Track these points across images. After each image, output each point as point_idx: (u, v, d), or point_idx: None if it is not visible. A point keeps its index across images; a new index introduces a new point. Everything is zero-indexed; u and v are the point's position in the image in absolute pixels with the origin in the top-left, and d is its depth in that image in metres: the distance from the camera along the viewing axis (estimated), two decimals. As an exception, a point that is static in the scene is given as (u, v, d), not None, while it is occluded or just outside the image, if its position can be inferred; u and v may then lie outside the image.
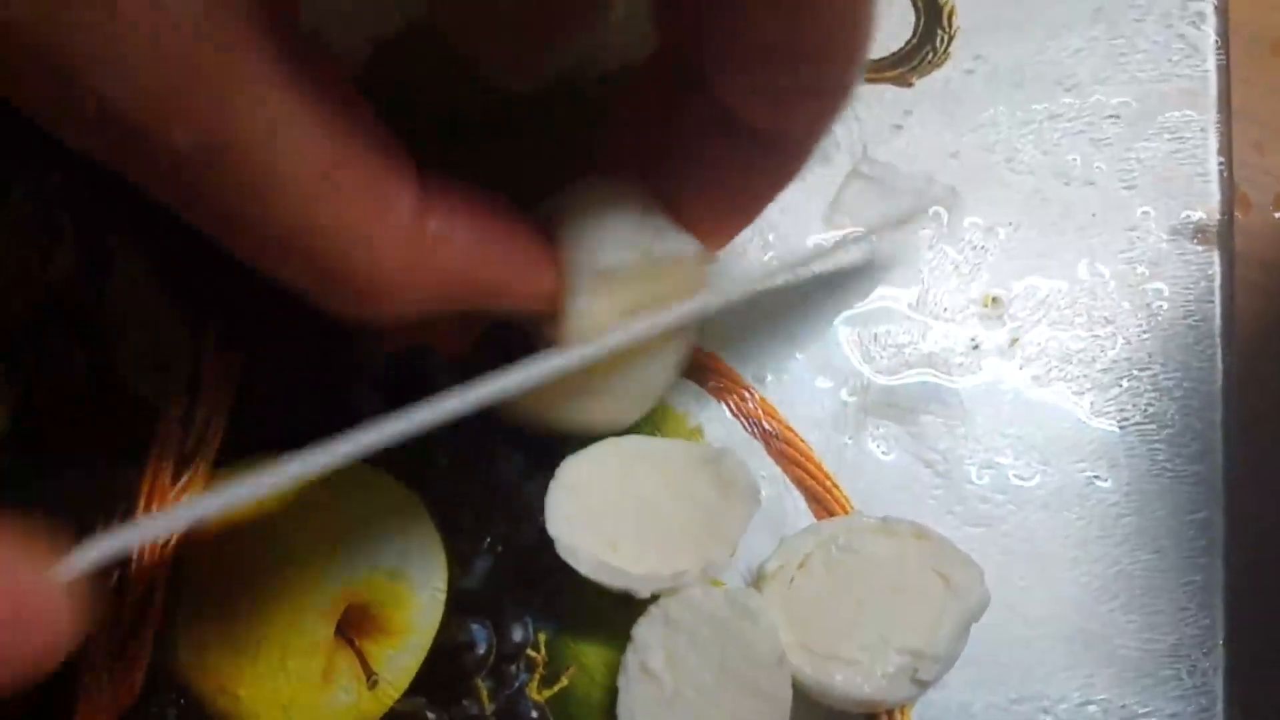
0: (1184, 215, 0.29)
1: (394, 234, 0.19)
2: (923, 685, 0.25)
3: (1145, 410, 0.28)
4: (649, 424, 0.28)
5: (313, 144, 0.17)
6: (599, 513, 0.25)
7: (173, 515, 0.20)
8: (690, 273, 0.24)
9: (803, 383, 0.28)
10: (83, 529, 0.27)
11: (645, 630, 0.25)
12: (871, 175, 0.30)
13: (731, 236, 0.25)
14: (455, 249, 0.20)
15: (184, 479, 0.28)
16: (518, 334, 0.28)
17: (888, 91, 0.30)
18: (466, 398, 0.22)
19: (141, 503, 0.27)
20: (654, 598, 0.25)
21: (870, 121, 0.30)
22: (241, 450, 0.28)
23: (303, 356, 0.28)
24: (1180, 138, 0.30)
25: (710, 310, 0.25)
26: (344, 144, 0.18)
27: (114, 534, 0.19)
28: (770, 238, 0.29)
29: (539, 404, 0.25)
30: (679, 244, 0.24)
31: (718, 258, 0.26)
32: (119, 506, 0.27)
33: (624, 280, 0.23)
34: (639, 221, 0.23)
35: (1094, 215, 0.29)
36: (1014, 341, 0.28)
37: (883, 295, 0.29)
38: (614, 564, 0.25)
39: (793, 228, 0.29)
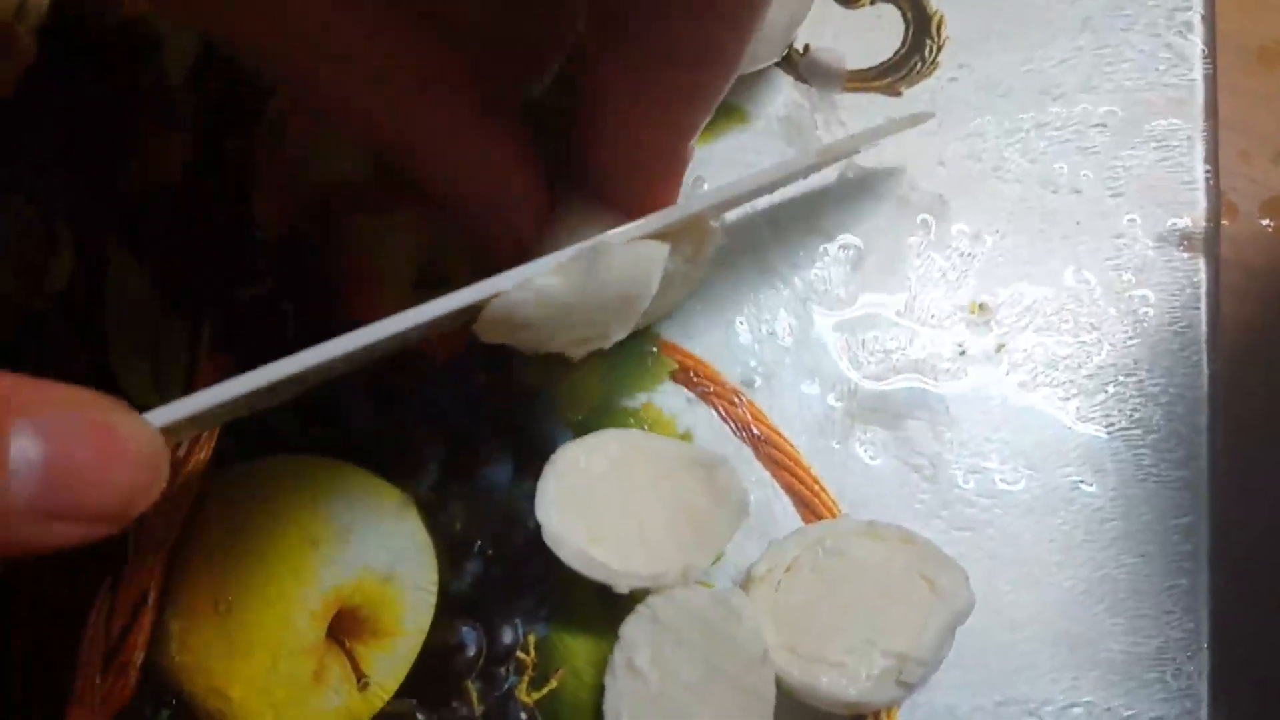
0: (1170, 223, 0.29)
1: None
2: (908, 688, 0.25)
3: (1131, 416, 0.28)
4: (640, 423, 0.28)
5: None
6: (588, 504, 0.25)
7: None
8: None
9: (791, 388, 0.28)
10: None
11: (632, 628, 0.25)
12: (857, 180, 0.30)
13: (657, 191, 0.24)
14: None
15: (179, 481, 0.28)
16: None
17: (876, 100, 0.30)
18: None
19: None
20: (640, 597, 0.25)
21: (857, 129, 0.30)
22: (236, 454, 0.28)
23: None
24: (1167, 146, 0.30)
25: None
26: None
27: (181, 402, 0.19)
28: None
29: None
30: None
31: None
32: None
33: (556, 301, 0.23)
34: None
35: (1080, 223, 0.29)
36: (1000, 347, 0.29)
37: (871, 301, 0.29)
38: (596, 557, 0.25)
39: (779, 236, 0.30)
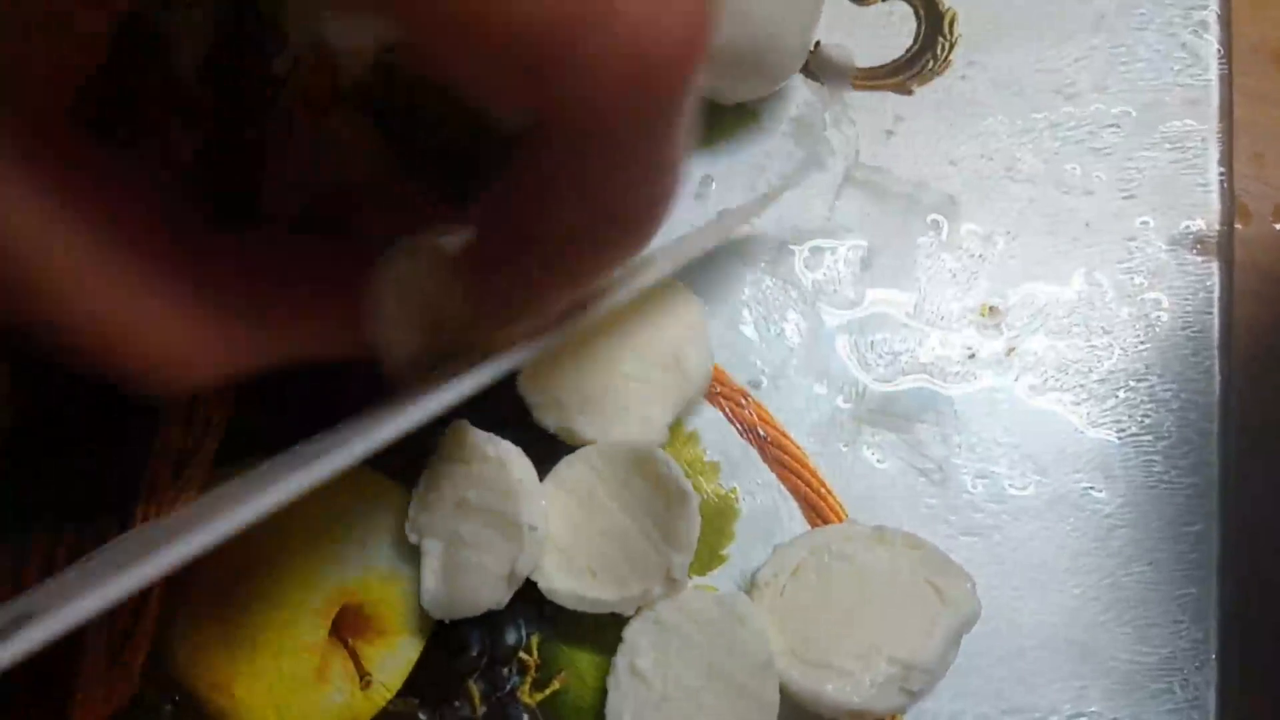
0: (1183, 225, 0.29)
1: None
2: (912, 695, 0.24)
3: (1142, 421, 0.28)
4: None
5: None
6: (570, 546, 0.26)
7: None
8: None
9: (799, 389, 0.28)
10: (83, 527, 0.27)
11: (636, 632, 0.25)
12: (866, 180, 0.30)
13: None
14: None
15: (183, 477, 0.28)
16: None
17: (887, 98, 0.30)
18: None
19: (140, 505, 0.28)
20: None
21: (867, 127, 0.30)
22: (239, 450, 0.28)
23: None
24: (1181, 147, 0.29)
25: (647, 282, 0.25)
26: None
27: None
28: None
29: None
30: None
31: None
32: (119, 504, 0.27)
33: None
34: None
35: (1092, 225, 0.29)
36: (1011, 351, 0.28)
37: (880, 302, 0.29)
38: (592, 595, 0.25)
39: (787, 236, 0.29)
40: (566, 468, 0.26)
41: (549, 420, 0.27)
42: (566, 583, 0.25)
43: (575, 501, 0.26)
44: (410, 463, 0.28)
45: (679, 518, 0.24)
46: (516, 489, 0.25)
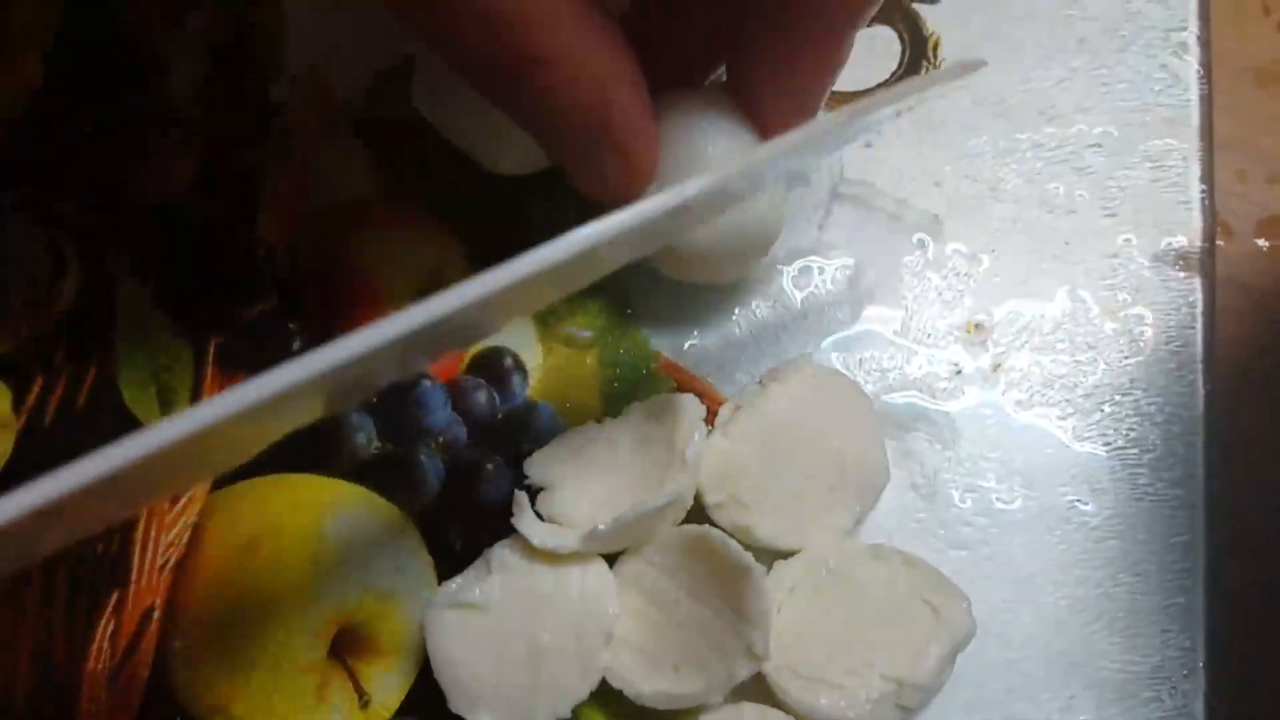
0: (1166, 242, 0.29)
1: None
2: (907, 712, 0.25)
3: (1127, 435, 0.28)
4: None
5: None
6: (648, 645, 0.25)
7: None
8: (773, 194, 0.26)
9: (789, 407, 0.29)
10: (85, 552, 0.28)
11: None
12: (853, 199, 0.30)
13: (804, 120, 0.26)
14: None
15: (182, 501, 0.28)
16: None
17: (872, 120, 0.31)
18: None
19: (141, 525, 0.28)
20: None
21: (851, 148, 0.31)
22: (239, 473, 0.28)
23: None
24: (1162, 166, 0.30)
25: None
26: None
27: None
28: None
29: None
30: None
31: None
32: (120, 530, 0.28)
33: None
34: (735, 134, 0.25)
35: (1076, 243, 0.30)
36: (997, 367, 0.29)
37: (868, 320, 0.29)
38: (680, 690, 0.25)
39: (778, 253, 0.30)
40: (625, 566, 0.26)
41: (725, 519, 0.26)
42: (653, 684, 0.25)
43: (643, 598, 0.25)
44: (408, 484, 0.28)
45: (747, 592, 0.24)
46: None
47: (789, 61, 0.24)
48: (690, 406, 0.26)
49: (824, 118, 0.25)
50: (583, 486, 0.26)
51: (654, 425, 0.27)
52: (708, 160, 0.24)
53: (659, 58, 0.24)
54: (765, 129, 0.25)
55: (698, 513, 0.26)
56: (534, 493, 0.26)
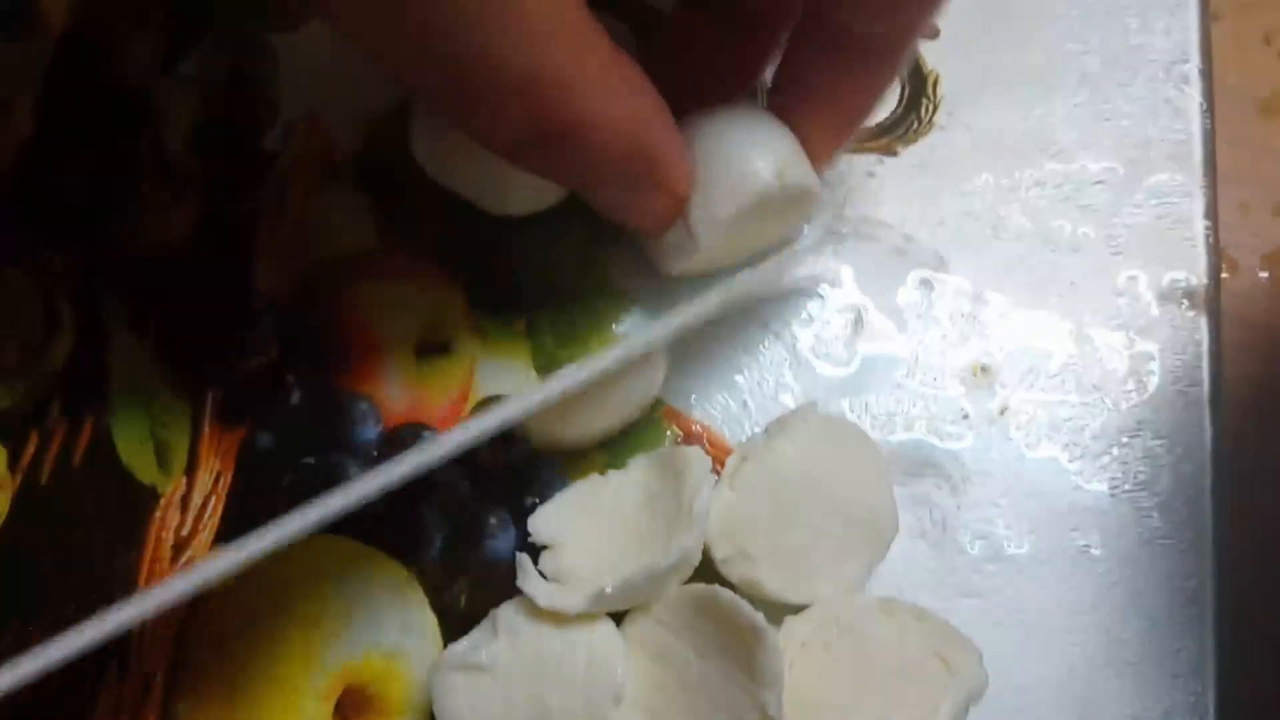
0: (1171, 280, 0.29)
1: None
2: (919, 765, 0.25)
3: (1135, 478, 0.28)
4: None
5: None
6: (658, 709, 0.25)
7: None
8: (807, 206, 0.27)
9: (794, 453, 0.28)
10: (82, 614, 0.27)
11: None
12: (856, 238, 0.30)
13: (838, 149, 0.26)
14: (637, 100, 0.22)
15: (182, 561, 0.28)
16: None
17: (873, 160, 0.30)
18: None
19: (140, 586, 0.28)
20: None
21: (856, 189, 0.30)
22: (239, 532, 0.28)
23: (299, 439, 0.29)
24: (1166, 202, 0.30)
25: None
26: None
27: None
28: (760, 308, 0.30)
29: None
30: (804, 174, 0.26)
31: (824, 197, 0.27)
32: (119, 591, 0.27)
33: (751, 208, 0.25)
34: (775, 147, 0.25)
35: (1081, 281, 0.29)
36: (1004, 410, 0.28)
37: (872, 364, 0.29)
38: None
39: (779, 297, 0.29)
40: (633, 626, 0.25)
41: (734, 573, 0.26)
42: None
43: (653, 659, 0.25)
44: (412, 541, 0.28)
45: (759, 653, 0.23)
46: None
47: (834, 87, 0.25)
48: (697, 461, 0.26)
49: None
50: (588, 544, 0.26)
51: (660, 479, 0.26)
52: (742, 173, 0.25)
53: (704, 69, 0.25)
54: (809, 151, 0.26)
55: (705, 567, 0.26)
56: (539, 550, 0.26)
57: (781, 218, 0.27)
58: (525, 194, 0.28)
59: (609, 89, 0.21)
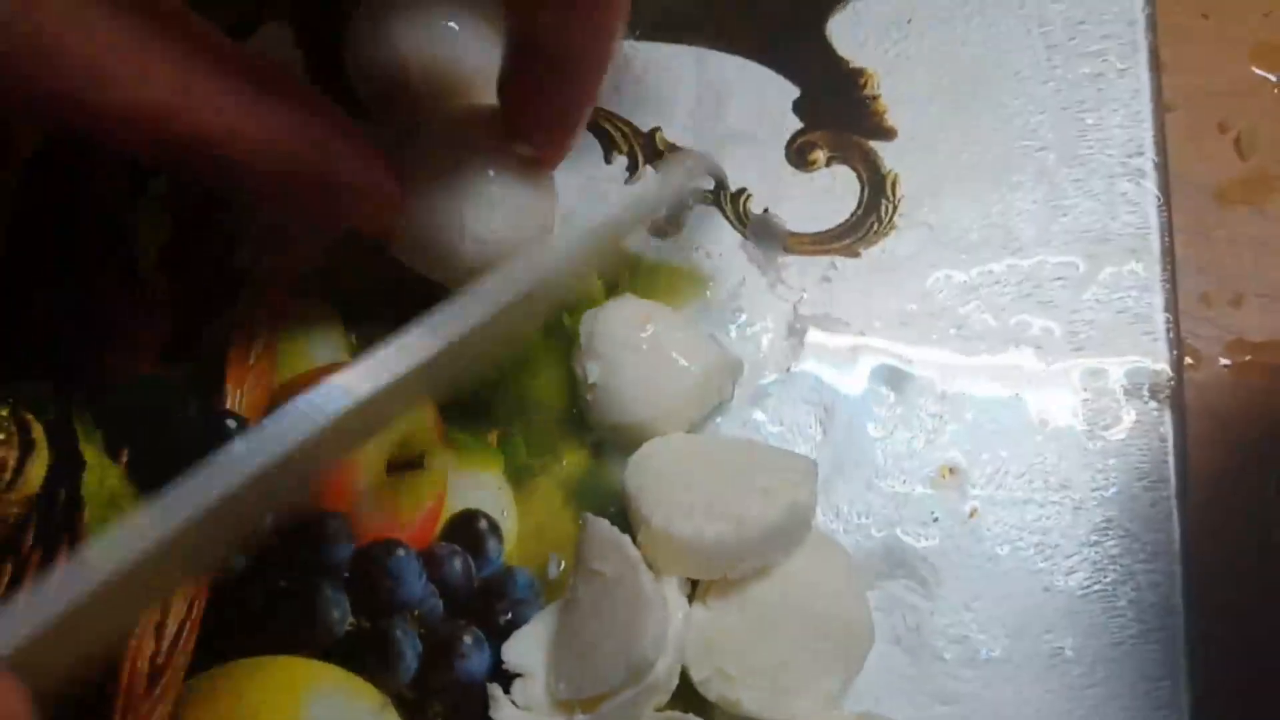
0: (1134, 375, 0.29)
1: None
2: None
3: (1106, 577, 0.28)
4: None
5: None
6: None
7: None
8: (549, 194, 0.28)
9: (767, 559, 0.28)
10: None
11: None
12: (817, 342, 0.30)
13: (564, 148, 0.28)
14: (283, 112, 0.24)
15: (158, 689, 0.28)
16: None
17: (832, 262, 0.31)
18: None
19: (116, 716, 0.27)
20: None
21: (815, 288, 0.31)
22: (213, 658, 0.28)
23: (271, 559, 0.29)
24: (1126, 295, 0.30)
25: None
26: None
27: None
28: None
29: None
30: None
31: None
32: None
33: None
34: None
35: (1045, 379, 0.30)
36: (974, 512, 0.29)
37: (841, 466, 0.29)
38: None
39: (749, 395, 0.30)
40: None
41: (712, 692, 0.26)
42: None
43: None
44: (387, 659, 0.28)
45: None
46: None
47: (556, 101, 0.27)
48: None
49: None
50: (560, 666, 0.26)
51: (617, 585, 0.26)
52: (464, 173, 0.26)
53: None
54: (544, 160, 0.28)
55: (685, 686, 0.26)
56: (512, 676, 0.26)
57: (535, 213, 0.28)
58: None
59: (231, 106, 0.23)
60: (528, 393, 0.30)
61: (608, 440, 0.29)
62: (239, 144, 0.23)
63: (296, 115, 0.24)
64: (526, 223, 0.28)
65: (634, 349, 0.28)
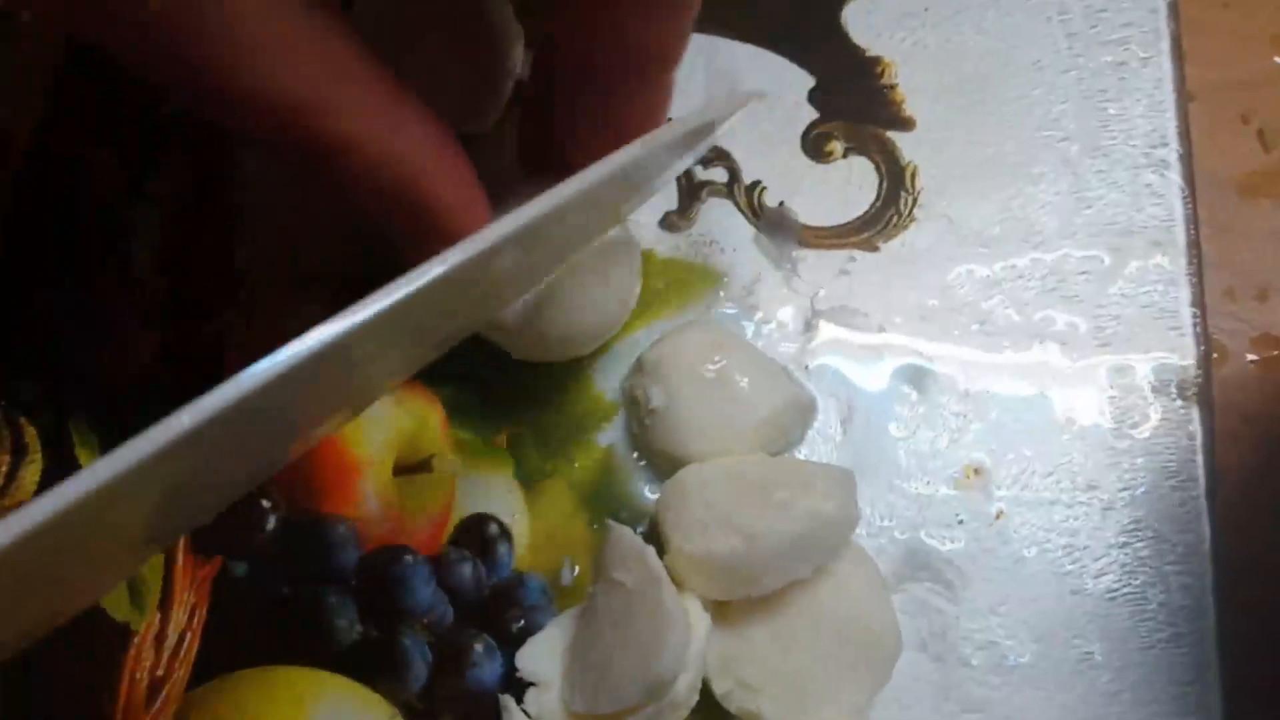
0: (1161, 371, 0.29)
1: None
2: None
3: (1134, 578, 0.27)
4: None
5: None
6: None
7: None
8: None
9: (786, 563, 0.28)
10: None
11: None
12: (836, 339, 0.29)
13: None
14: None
15: (158, 702, 0.27)
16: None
17: (836, 256, 0.30)
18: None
19: (115, 729, 0.27)
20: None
21: (834, 282, 0.30)
22: (215, 669, 0.27)
23: (275, 566, 0.28)
24: (1152, 290, 0.29)
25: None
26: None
27: None
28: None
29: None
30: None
31: None
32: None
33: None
34: None
35: (1071, 376, 0.29)
36: (999, 514, 0.28)
37: (863, 468, 0.28)
38: None
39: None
40: None
41: (734, 705, 0.25)
42: None
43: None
44: (396, 669, 0.27)
45: None
46: None
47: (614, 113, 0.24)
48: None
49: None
50: (575, 678, 0.25)
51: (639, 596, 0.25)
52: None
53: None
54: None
55: (706, 699, 0.25)
56: (524, 685, 0.25)
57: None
58: (535, 343, 0.27)
59: (369, 116, 0.21)
60: (537, 393, 0.29)
61: (654, 464, 0.28)
62: (369, 150, 0.22)
63: (422, 131, 0.23)
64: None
65: (699, 379, 0.27)
